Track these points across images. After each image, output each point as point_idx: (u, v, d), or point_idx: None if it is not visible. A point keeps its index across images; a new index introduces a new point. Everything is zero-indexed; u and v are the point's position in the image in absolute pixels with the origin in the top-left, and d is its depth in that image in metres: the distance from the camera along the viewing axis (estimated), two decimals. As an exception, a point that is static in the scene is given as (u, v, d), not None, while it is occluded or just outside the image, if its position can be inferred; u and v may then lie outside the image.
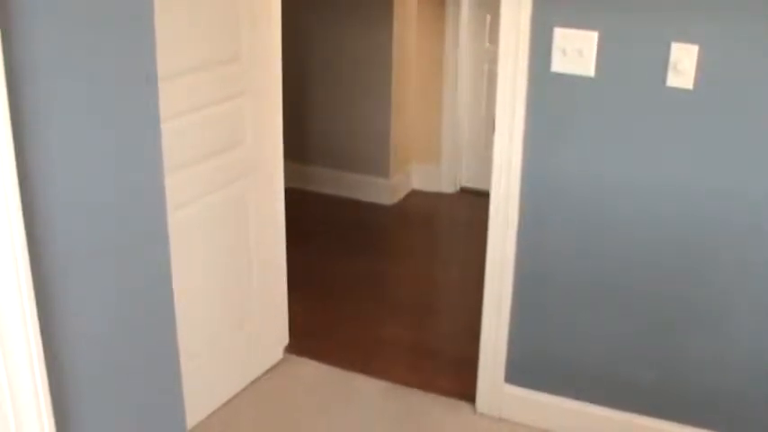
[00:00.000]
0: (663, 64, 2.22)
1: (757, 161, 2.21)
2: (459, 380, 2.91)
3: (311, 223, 4.29)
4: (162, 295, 1.82)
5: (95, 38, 1.52)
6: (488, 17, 4.49)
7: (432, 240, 4.48)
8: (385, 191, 4.66)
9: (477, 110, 4.68)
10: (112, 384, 1.73)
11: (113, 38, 1.57)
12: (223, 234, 2.67)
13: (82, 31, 1.49)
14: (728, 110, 2.21)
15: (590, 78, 2.32)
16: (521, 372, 2.70)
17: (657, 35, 2.21)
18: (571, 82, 2.34)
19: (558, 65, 2.34)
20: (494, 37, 4.38)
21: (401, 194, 4.78)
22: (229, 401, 2.80)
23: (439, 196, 4.82)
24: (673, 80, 2.22)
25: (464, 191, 4.84)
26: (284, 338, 3.10)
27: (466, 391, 2.83)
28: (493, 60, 4.23)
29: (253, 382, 2.92)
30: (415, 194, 4.84)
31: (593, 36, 2.28)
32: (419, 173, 4.85)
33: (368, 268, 3.91)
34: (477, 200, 4.15)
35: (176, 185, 2.29)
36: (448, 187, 4.83)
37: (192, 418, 2.36)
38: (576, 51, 2.30)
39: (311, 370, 3.03)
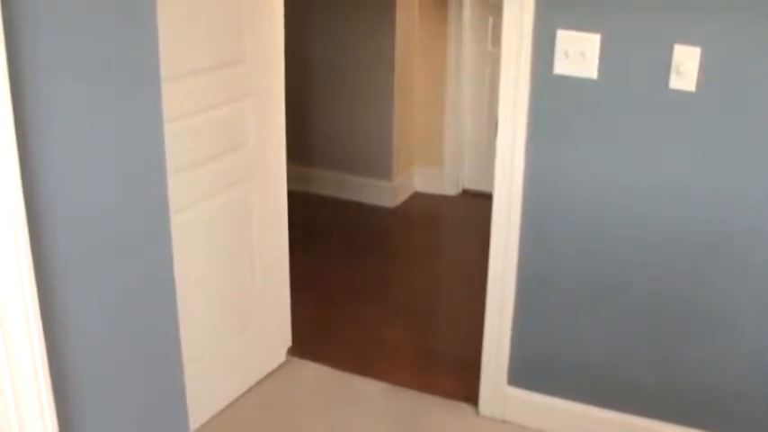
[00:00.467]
0: (665, 66, 2.22)
1: (760, 163, 2.21)
2: (461, 382, 2.91)
3: (314, 226, 4.29)
4: (165, 297, 1.82)
5: (98, 39, 1.53)
6: (491, 19, 4.49)
7: (434, 242, 4.48)
8: (387, 193, 4.66)
9: (480, 112, 4.68)
10: (115, 386, 1.73)
11: (116, 39, 1.57)
12: (226, 236, 2.67)
13: (85, 32, 1.50)
14: (731, 112, 2.21)
15: (592, 80, 2.32)
16: (523, 374, 2.69)
17: (660, 37, 2.21)
18: (574, 84, 2.34)
19: (561, 67, 2.34)
20: (496, 39, 4.37)
21: (404, 197, 4.78)
22: (232, 404, 2.80)
23: (441, 198, 4.82)
24: (675, 82, 2.22)
25: (467, 193, 4.84)
26: (287, 341, 3.10)
27: (468, 393, 2.83)
28: (495, 63, 4.22)
29: (255, 385, 2.92)
30: (417, 197, 4.84)
31: (595, 38, 2.28)
32: (422, 175, 4.86)
33: (370, 270, 3.91)
34: (480, 202, 4.15)
35: (179, 187, 2.29)
36: (450, 189, 4.83)
37: (194, 421, 2.36)
38: (579, 54, 2.30)
39: (314, 372, 3.03)
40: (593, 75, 2.31)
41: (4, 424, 1.39)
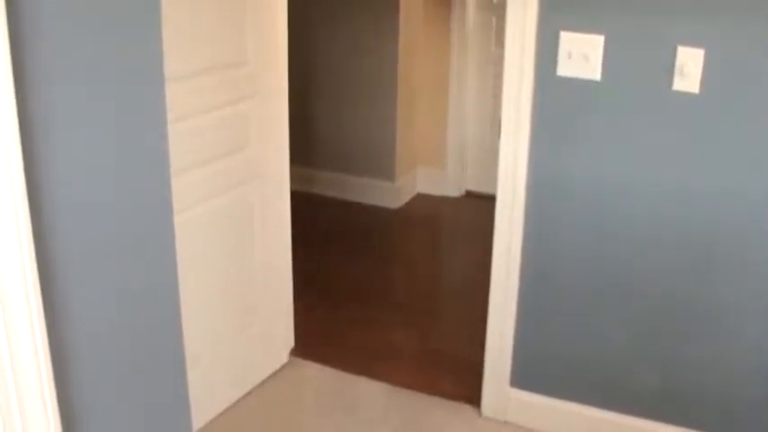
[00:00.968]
0: (669, 68, 2.22)
1: (763, 164, 2.21)
2: (464, 383, 2.91)
3: (317, 227, 4.29)
4: (168, 297, 1.82)
5: (102, 39, 1.53)
6: (494, 20, 4.49)
7: (437, 244, 4.48)
8: (390, 194, 4.66)
9: (483, 113, 4.68)
10: (118, 387, 1.73)
11: (120, 40, 1.57)
12: (229, 237, 2.68)
13: (88, 32, 1.50)
14: (734, 113, 2.21)
15: (596, 82, 2.32)
16: (526, 375, 2.69)
17: (663, 39, 2.21)
18: (577, 86, 2.34)
19: (564, 69, 2.34)
20: (500, 40, 4.38)
21: (406, 198, 4.78)
22: (234, 404, 2.81)
23: (444, 200, 4.82)
24: (679, 84, 2.22)
25: (469, 194, 4.84)
26: (289, 342, 3.10)
27: (471, 394, 2.83)
28: (498, 64, 4.23)
29: (258, 386, 2.92)
30: (420, 198, 4.84)
31: (599, 40, 2.28)
32: (425, 176, 4.86)
33: (373, 271, 3.91)
34: (483, 203, 4.15)
35: (182, 188, 2.30)
36: (453, 191, 4.83)
37: (197, 421, 2.36)
38: (582, 55, 2.30)
39: (316, 373, 3.03)
40: (597, 76, 2.31)
41: (8, 424, 1.40)
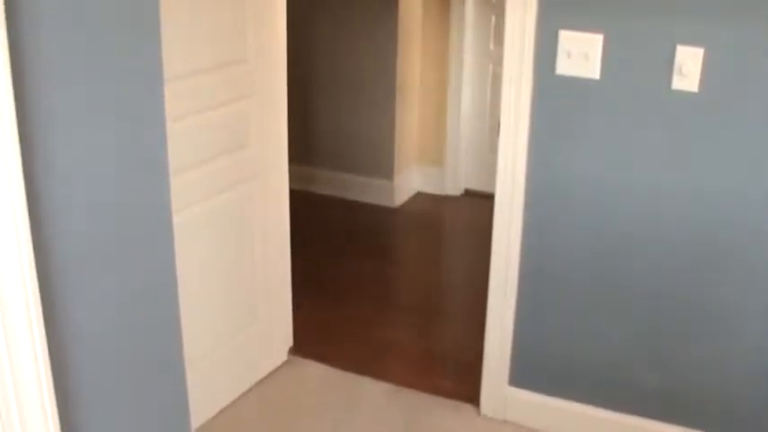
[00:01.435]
0: (668, 67, 2.22)
1: (762, 164, 2.21)
2: (463, 382, 2.91)
3: (316, 225, 4.29)
4: (167, 296, 1.82)
5: (101, 39, 1.53)
6: (493, 19, 4.49)
7: (436, 243, 4.48)
8: (389, 193, 4.66)
9: (482, 112, 4.68)
10: (117, 386, 1.73)
11: (119, 39, 1.57)
12: (228, 236, 2.67)
13: (88, 32, 1.50)
14: (733, 113, 2.21)
15: (595, 81, 2.32)
16: (525, 374, 2.69)
17: (663, 38, 2.21)
18: (576, 84, 2.34)
19: (564, 67, 2.34)
20: (499, 39, 4.38)
21: (405, 197, 4.78)
22: (233, 403, 2.81)
23: (443, 198, 4.82)
24: (678, 83, 2.22)
25: (468, 193, 4.84)
26: (289, 340, 3.10)
27: (470, 393, 2.83)
28: (497, 62, 4.23)
29: (257, 384, 2.92)
30: (419, 197, 4.84)
31: (598, 39, 2.28)
32: (423, 175, 4.86)
33: (372, 270, 3.91)
34: (482, 202, 4.16)
35: (181, 187, 2.30)
36: (452, 189, 4.83)
37: (196, 420, 2.36)
38: (582, 54, 2.30)
39: (315, 372, 3.03)
40: (596, 75, 2.31)
41: (7, 424, 1.40)
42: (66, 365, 1.55)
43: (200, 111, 2.44)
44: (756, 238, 2.27)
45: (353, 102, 4.58)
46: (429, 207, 4.75)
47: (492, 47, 4.54)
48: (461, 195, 4.84)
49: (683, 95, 2.22)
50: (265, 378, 2.96)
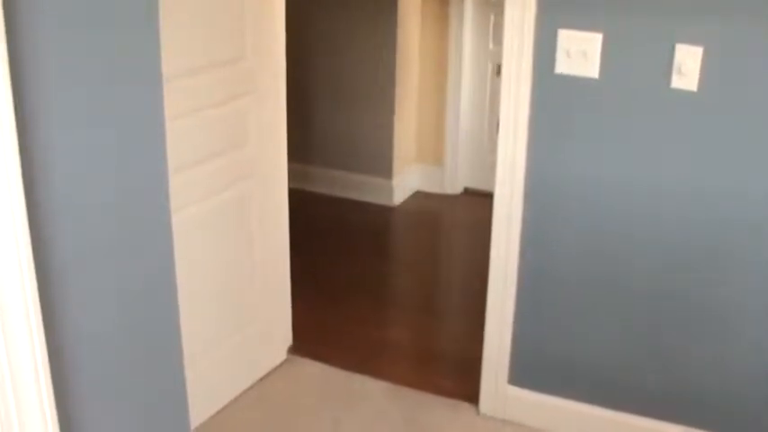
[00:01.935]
0: (667, 65, 2.21)
1: (761, 162, 2.21)
2: (462, 381, 2.91)
3: (315, 224, 4.29)
4: (166, 295, 1.82)
5: (100, 37, 1.52)
6: (492, 18, 4.48)
7: (435, 241, 4.48)
8: (388, 192, 4.65)
9: (481, 111, 4.68)
10: (116, 385, 1.73)
11: (118, 37, 1.57)
12: (226, 234, 2.67)
13: (86, 30, 1.49)
14: (733, 111, 2.21)
15: (594, 80, 2.31)
16: (524, 373, 2.69)
17: (662, 37, 2.20)
18: (575, 83, 2.34)
19: (563, 66, 2.34)
20: (498, 37, 4.38)
21: (404, 195, 4.78)
22: (233, 402, 2.81)
23: (442, 197, 4.82)
24: (677, 82, 2.22)
25: (467, 192, 4.84)
26: (288, 339, 3.10)
27: (469, 392, 2.83)
28: (497, 61, 4.23)
29: (256, 383, 2.92)
30: (418, 195, 4.84)
31: (597, 38, 2.28)
32: (423, 174, 4.85)
33: (371, 269, 3.91)
34: (481, 201, 4.15)
35: (180, 186, 2.29)
36: (451, 188, 4.83)
37: (195, 419, 2.36)
38: (581, 53, 2.30)
39: (314, 371, 3.03)
40: (595, 74, 2.31)
41: (5, 423, 1.39)
42: (64, 364, 1.55)
43: (199, 109, 2.44)
44: (756, 237, 2.27)
45: (352, 100, 4.58)
46: (428, 206, 4.74)
47: (491, 46, 4.53)
48: (460, 194, 4.84)
49: (682, 94, 2.22)
50: (264, 377, 2.96)
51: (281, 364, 3.04)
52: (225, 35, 2.51)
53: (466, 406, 2.82)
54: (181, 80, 2.31)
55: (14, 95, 1.31)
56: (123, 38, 1.58)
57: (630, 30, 2.24)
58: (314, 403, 2.85)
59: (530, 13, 2.33)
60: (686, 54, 2.18)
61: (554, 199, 2.48)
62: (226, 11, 2.49)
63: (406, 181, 4.78)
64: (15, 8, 1.32)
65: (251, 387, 2.89)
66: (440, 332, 3.41)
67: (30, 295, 1.38)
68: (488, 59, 4.57)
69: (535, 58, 2.37)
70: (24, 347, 1.39)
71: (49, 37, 1.42)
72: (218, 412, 2.74)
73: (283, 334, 3.07)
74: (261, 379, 2.94)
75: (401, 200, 4.74)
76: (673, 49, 2.19)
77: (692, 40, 2.17)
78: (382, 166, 4.62)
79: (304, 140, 4.66)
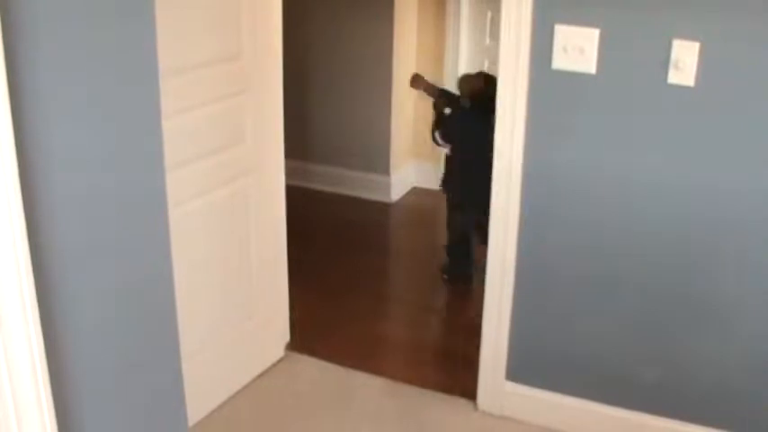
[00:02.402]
0: (664, 61, 2.21)
1: (758, 158, 2.21)
2: (460, 377, 2.91)
3: (312, 221, 4.28)
4: (163, 292, 1.82)
5: (96, 34, 1.52)
6: (489, 13, 4.48)
7: (432, 237, 4.47)
8: (386, 188, 4.65)
9: (478, 107, 4.67)
10: (114, 382, 1.72)
11: (114, 34, 1.56)
12: (224, 232, 2.67)
13: (82, 27, 1.49)
14: (730, 107, 2.21)
15: (591, 75, 2.31)
16: (522, 369, 2.70)
17: (659, 32, 2.20)
18: (572, 79, 2.34)
19: (559, 62, 2.34)
20: (495, 33, 4.37)
21: (402, 192, 4.78)
22: (230, 399, 2.81)
23: (440, 193, 4.80)
24: (674, 77, 2.22)
25: (465, 188, 4.83)
26: (285, 336, 3.10)
27: (467, 388, 2.83)
28: (494, 57, 4.22)
29: (254, 380, 2.92)
30: (415, 192, 4.84)
31: (594, 33, 2.27)
32: (420, 170, 4.85)
33: (369, 265, 3.91)
34: (478, 197, 4.14)
35: (177, 183, 2.28)
36: (449, 184, 4.81)
37: (192, 416, 2.36)
38: (577, 49, 2.30)
39: (312, 367, 3.03)
40: (592, 69, 2.31)
41: (3, 422, 1.39)
42: (62, 361, 1.55)
43: (196, 106, 2.44)
44: (754, 232, 2.27)
45: (350, 97, 4.58)
46: (425, 202, 4.74)
47: (488, 42, 4.53)
48: (458, 190, 4.83)
49: (679, 89, 2.22)
50: (262, 374, 2.95)
51: (279, 361, 3.04)
52: (222, 32, 2.50)
53: (463, 402, 2.82)
54: (178, 77, 2.30)
55: (11, 91, 1.31)
56: (120, 34, 1.58)
57: (627, 25, 2.24)
58: (311, 400, 2.85)
59: (526, 9, 2.33)
60: (683, 49, 2.18)
61: (551, 194, 2.48)
62: (223, 8, 2.49)
63: (404, 177, 4.78)
64: (9, 5, 1.32)
65: (249, 383, 2.89)
66: (437, 328, 3.41)
67: (27, 293, 1.38)
68: (485, 56, 4.56)
69: (532, 54, 2.36)
70: (21, 344, 1.39)
71: (46, 34, 1.41)
72: (216, 408, 2.74)
73: (281, 330, 3.07)
74: (259, 375, 2.94)
75: (398, 196, 4.74)
76: (669, 44, 2.19)
77: (688, 36, 2.17)
78: (379, 162, 4.62)
79: (301, 137, 4.65)
